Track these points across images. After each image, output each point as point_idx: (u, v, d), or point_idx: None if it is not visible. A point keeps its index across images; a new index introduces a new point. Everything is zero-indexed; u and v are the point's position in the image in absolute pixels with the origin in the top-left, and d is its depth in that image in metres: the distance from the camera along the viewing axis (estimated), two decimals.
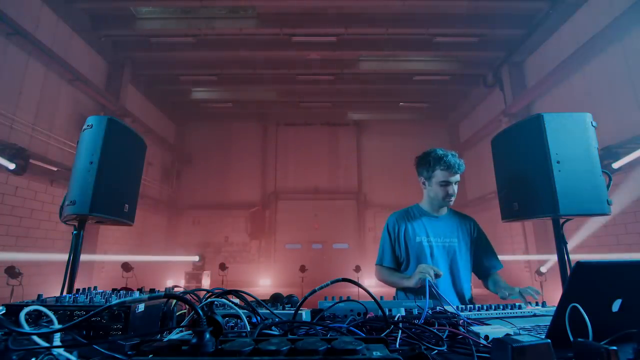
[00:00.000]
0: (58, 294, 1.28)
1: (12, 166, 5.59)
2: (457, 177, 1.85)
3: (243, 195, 12.87)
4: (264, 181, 13.19)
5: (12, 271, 5.30)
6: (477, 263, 1.91)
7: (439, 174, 1.85)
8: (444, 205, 1.91)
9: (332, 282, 1.23)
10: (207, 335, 0.54)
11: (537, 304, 1.40)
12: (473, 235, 1.93)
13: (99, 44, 8.60)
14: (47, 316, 0.78)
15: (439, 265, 1.79)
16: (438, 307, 1.31)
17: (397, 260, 1.92)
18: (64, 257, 1.56)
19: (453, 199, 1.87)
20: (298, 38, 8.60)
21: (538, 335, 0.84)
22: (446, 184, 1.84)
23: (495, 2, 7.69)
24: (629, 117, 6.01)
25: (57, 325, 0.75)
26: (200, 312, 0.57)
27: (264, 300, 1.25)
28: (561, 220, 1.56)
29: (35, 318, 0.80)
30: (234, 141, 13.49)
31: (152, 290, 1.12)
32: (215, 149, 13.32)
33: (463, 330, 0.96)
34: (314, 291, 1.16)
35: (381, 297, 1.56)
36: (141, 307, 0.91)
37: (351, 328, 0.92)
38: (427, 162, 1.91)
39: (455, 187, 1.86)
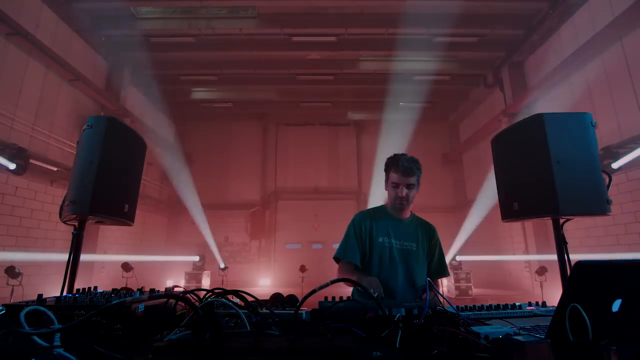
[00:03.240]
0: (58, 294, 1.28)
1: (12, 166, 5.59)
2: (409, 180, 1.85)
3: (243, 195, 12.87)
4: (264, 181, 13.19)
5: (12, 271, 5.30)
6: (428, 267, 1.98)
7: (392, 176, 1.89)
8: (397, 207, 1.94)
9: (332, 282, 1.23)
10: (207, 335, 0.54)
11: (537, 304, 1.40)
12: (431, 242, 1.99)
13: (99, 44, 8.60)
14: (47, 316, 0.78)
15: (397, 266, 1.86)
16: (438, 307, 1.31)
17: (362, 258, 1.92)
18: (64, 257, 1.56)
19: (405, 202, 1.89)
20: (298, 38, 8.60)
21: (538, 335, 0.83)
22: (396, 185, 1.87)
23: (495, 2, 7.69)
24: (629, 117, 6.01)
25: (57, 325, 0.75)
26: (200, 312, 0.57)
27: (264, 300, 1.25)
28: (561, 220, 1.56)
29: (35, 318, 0.80)
30: (234, 141, 13.49)
31: (152, 290, 1.12)
32: (215, 149, 13.32)
33: (463, 330, 0.96)
34: (314, 291, 1.16)
35: (381, 297, 1.56)
36: (141, 307, 0.91)
37: (351, 328, 0.92)
38: (385, 165, 1.96)
39: (408, 191, 1.87)
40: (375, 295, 1.49)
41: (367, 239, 1.92)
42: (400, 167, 1.85)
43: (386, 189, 1.99)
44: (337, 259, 1.96)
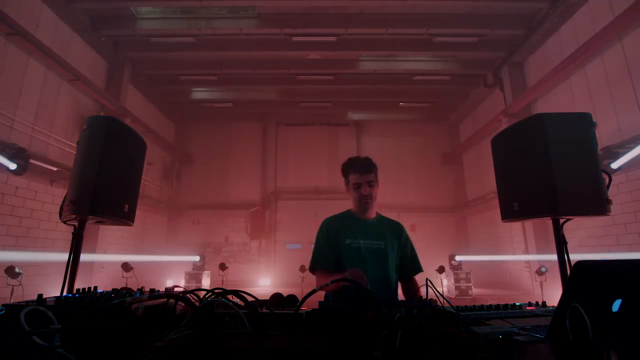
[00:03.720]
0: (58, 294, 1.28)
1: (13, 166, 5.59)
2: (369, 177, 1.92)
3: (243, 195, 12.86)
4: (264, 181, 13.19)
5: (12, 271, 5.30)
6: (401, 265, 2.00)
7: (352, 178, 1.96)
8: (363, 207, 1.98)
9: (332, 282, 1.23)
10: (207, 335, 0.54)
11: (537, 304, 1.40)
12: (401, 240, 2.02)
13: (99, 44, 8.60)
14: (47, 316, 0.78)
15: (367, 266, 1.86)
16: (438, 307, 1.31)
17: (335, 262, 1.92)
18: (64, 257, 1.56)
19: (370, 200, 1.95)
20: (298, 38, 8.60)
21: (538, 335, 0.83)
22: (358, 185, 1.94)
23: (495, 2, 7.69)
24: (629, 117, 6.01)
25: (57, 325, 0.75)
26: (200, 312, 0.57)
27: (264, 300, 1.25)
28: (561, 220, 1.56)
29: (35, 318, 0.80)
30: (234, 141, 13.49)
31: (152, 290, 1.12)
32: (215, 149, 13.32)
33: (463, 330, 0.96)
34: (314, 291, 1.16)
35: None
36: (141, 307, 0.91)
37: (351, 328, 0.92)
38: (342, 171, 2.05)
39: (370, 188, 1.93)
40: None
41: (336, 243, 1.94)
42: (358, 166, 1.94)
43: (348, 192, 2.05)
44: (312, 269, 1.95)
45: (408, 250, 2.03)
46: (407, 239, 2.06)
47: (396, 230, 2.03)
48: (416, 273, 2.03)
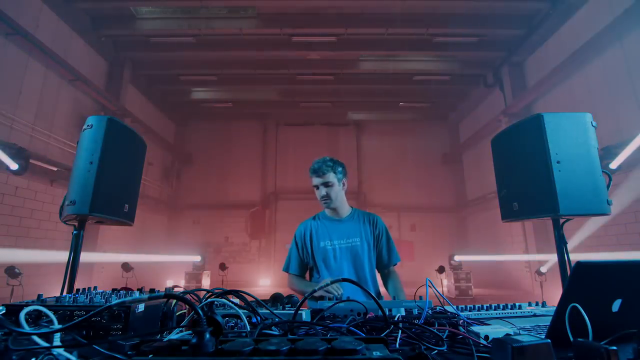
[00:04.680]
0: (58, 294, 1.28)
1: (15, 166, 5.57)
2: (323, 179, 1.94)
3: (243, 195, 12.86)
4: (264, 181, 13.19)
5: (12, 271, 5.30)
6: (377, 256, 2.01)
7: (311, 181, 2.01)
8: (326, 208, 2.03)
9: (332, 282, 1.23)
10: (207, 335, 0.54)
11: (537, 304, 1.40)
12: (375, 232, 2.02)
13: (99, 44, 8.60)
14: (47, 316, 0.78)
15: (342, 265, 1.90)
16: (438, 307, 1.31)
17: (304, 267, 2.02)
18: (64, 257, 1.56)
19: (328, 201, 1.97)
20: (298, 38, 8.60)
21: (538, 335, 0.84)
22: (316, 187, 1.98)
23: (495, 2, 7.69)
24: (629, 117, 6.01)
25: (57, 325, 0.75)
26: (200, 312, 0.57)
27: (264, 300, 1.25)
28: (561, 220, 1.56)
29: (35, 318, 0.80)
30: (234, 141, 13.48)
31: (152, 290, 1.12)
32: (215, 149, 13.32)
33: (463, 330, 0.96)
34: (314, 291, 1.16)
35: (381, 297, 1.56)
36: (141, 307, 0.91)
37: (351, 328, 0.92)
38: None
39: (327, 190, 1.94)
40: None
41: (310, 248, 1.99)
42: (312, 169, 1.97)
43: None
44: (285, 271, 2.05)
45: (384, 241, 2.02)
46: (382, 229, 2.04)
47: (371, 223, 2.03)
48: (393, 264, 2.03)
